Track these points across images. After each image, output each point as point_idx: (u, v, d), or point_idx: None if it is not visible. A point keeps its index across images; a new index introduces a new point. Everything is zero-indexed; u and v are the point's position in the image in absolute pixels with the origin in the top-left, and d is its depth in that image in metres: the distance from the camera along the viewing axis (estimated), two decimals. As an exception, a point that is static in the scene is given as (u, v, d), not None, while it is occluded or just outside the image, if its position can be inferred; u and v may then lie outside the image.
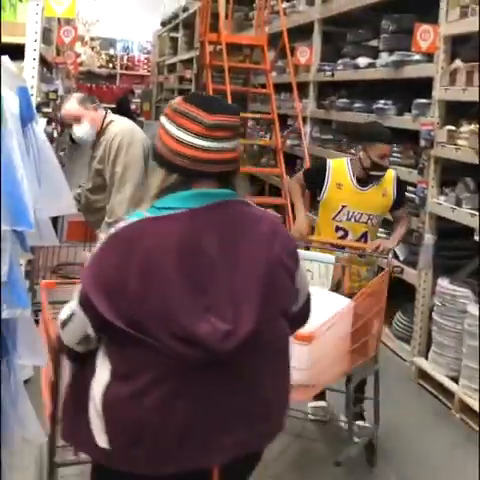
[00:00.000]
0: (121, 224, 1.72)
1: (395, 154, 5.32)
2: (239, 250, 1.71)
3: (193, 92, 1.76)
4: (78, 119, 3.94)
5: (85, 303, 1.67)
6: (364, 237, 3.89)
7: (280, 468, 3.37)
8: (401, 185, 4.00)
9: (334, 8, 6.67)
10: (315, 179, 3.94)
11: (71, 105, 3.99)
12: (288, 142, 7.46)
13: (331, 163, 3.94)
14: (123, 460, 1.71)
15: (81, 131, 3.94)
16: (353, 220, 3.85)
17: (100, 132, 3.96)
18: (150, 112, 18.85)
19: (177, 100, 1.82)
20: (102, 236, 1.78)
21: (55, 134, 6.41)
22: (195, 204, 1.72)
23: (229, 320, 1.65)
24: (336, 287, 3.59)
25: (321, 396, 3.88)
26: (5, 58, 1.95)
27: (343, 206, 3.84)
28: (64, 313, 1.74)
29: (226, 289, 1.67)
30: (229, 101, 6.96)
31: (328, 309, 3.00)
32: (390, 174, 3.93)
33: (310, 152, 6.89)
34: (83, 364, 1.78)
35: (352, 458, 3.32)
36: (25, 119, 1.90)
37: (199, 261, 1.67)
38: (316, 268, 3.61)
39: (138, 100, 19.81)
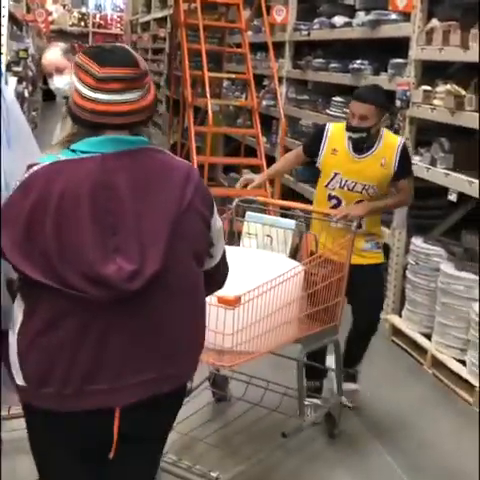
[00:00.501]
0: (34, 167, 1.73)
1: (370, 114, 5.31)
2: (150, 194, 1.76)
3: (94, 44, 1.76)
4: (60, 70, 3.85)
5: None
6: None
7: (229, 434, 3.39)
8: (407, 155, 3.71)
9: (310, -35, 6.59)
10: (312, 144, 3.76)
11: (54, 55, 3.88)
12: (264, 103, 7.42)
13: (330, 127, 3.72)
14: (36, 397, 1.77)
15: (62, 82, 3.85)
16: (346, 188, 3.61)
17: None
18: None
19: (79, 53, 1.82)
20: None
21: (26, 93, 6.31)
22: (107, 149, 1.76)
23: (135, 261, 1.70)
24: (293, 253, 3.46)
25: (316, 375, 3.71)
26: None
27: (336, 173, 3.62)
28: None
29: (135, 231, 1.72)
30: (204, 61, 6.90)
31: (271, 273, 2.89)
32: (394, 140, 3.66)
33: (286, 113, 6.86)
34: None
35: (302, 429, 3.28)
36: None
37: (109, 204, 1.71)
38: (275, 234, 3.49)
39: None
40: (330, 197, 3.67)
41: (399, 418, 3.78)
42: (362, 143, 3.58)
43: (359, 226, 3.44)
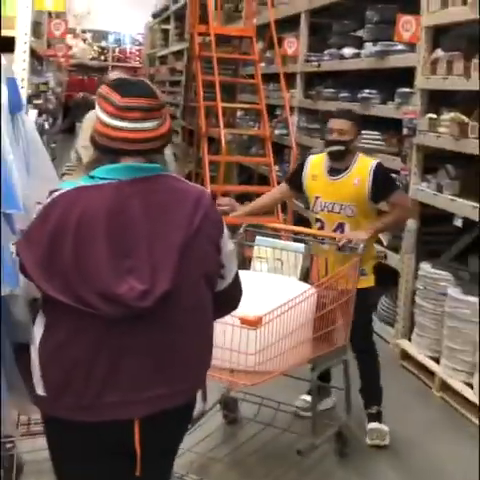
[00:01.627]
0: (56, 193, 1.88)
1: (379, 142, 5.45)
2: (162, 219, 1.90)
3: (118, 77, 1.96)
4: None
5: (22, 270, 1.87)
6: (340, 228, 3.77)
7: (244, 455, 3.47)
8: (382, 174, 3.82)
9: (319, 0, 6.77)
10: (294, 175, 4.02)
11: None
12: (276, 132, 7.57)
13: (311, 158, 4.00)
14: (55, 407, 1.88)
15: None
16: (326, 210, 3.79)
17: None
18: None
19: (103, 84, 1.99)
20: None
21: (46, 126, 6.51)
22: (123, 176, 1.90)
23: (146, 281, 1.83)
24: (304, 276, 3.58)
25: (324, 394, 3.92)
26: (12, 55, 2.06)
27: (317, 197, 3.82)
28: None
29: (146, 254, 1.85)
30: (218, 91, 7.08)
31: (285, 295, 3.00)
32: (367, 162, 3.83)
33: (298, 141, 7.01)
34: None
35: (316, 447, 3.36)
36: (14, 109, 2.01)
37: (124, 228, 1.86)
38: (285, 257, 3.59)
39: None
40: (316, 220, 3.87)
41: (408, 440, 3.83)
42: (341, 157, 3.77)
43: (363, 249, 3.51)
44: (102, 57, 22.70)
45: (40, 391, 1.89)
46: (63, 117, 14.24)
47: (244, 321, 2.71)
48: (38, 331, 1.89)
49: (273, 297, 3.03)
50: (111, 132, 1.89)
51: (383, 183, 3.79)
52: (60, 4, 5.34)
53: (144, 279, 1.83)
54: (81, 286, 1.80)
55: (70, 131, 13.47)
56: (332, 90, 6.56)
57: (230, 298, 2.16)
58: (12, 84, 2.03)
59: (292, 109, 7.31)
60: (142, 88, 1.95)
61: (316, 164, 3.90)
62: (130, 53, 23.12)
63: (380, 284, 4.14)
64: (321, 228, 3.83)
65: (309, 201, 3.93)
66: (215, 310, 2.07)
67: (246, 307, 2.23)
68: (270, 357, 2.93)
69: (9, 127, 1.93)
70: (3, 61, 2.14)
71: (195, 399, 2.10)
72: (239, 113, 9.25)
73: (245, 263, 3.71)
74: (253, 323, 2.73)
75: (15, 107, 2.03)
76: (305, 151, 7.12)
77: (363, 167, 3.79)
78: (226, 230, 2.04)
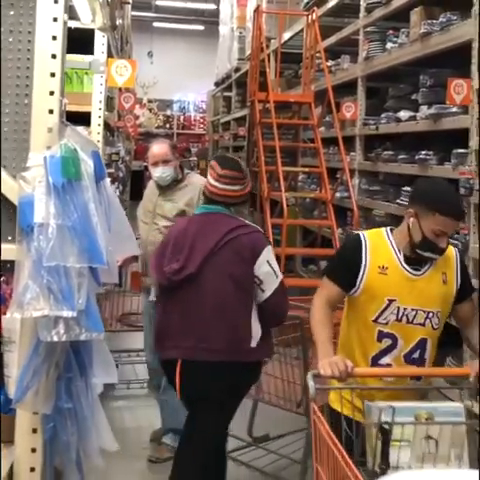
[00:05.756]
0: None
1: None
2: (204, 236, 3.15)
3: (221, 154, 3.50)
4: (166, 162, 4.43)
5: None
6: (421, 347, 2.73)
7: None
8: (464, 263, 2.91)
9: (376, 65, 7.04)
10: (348, 267, 2.76)
11: (164, 148, 4.50)
12: (337, 194, 7.73)
13: (366, 237, 2.81)
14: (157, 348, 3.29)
15: (167, 172, 4.43)
16: (404, 321, 2.68)
17: (179, 180, 4.49)
18: (206, 169, 19.35)
19: (213, 158, 3.47)
20: None
21: (117, 193, 6.90)
22: (201, 211, 3.33)
23: (180, 265, 3.13)
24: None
25: None
26: (81, 128, 2.37)
27: (390, 300, 2.68)
28: None
29: (188, 253, 3.14)
30: (278, 156, 7.36)
31: None
32: (450, 251, 2.81)
33: (359, 203, 7.16)
34: None
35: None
36: (98, 177, 2.28)
37: (183, 238, 3.20)
38: (436, 431, 2.30)
39: (195, 158, 20.49)
40: (382, 336, 2.72)
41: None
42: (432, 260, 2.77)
43: None
44: (167, 125, 23.56)
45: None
46: (131, 184, 14.79)
47: None
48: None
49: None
50: (212, 189, 3.23)
51: (467, 277, 2.88)
52: (130, 81, 5.75)
53: (180, 264, 3.10)
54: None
55: (136, 197, 13.98)
56: (391, 152, 6.75)
57: (272, 306, 3.14)
58: (96, 156, 2.31)
59: (352, 172, 7.50)
60: (234, 164, 3.27)
61: (380, 248, 2.77)
62: (194, 120, 23.92)
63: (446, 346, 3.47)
64: (390, 348, 2.72)
65: (369, 305, 2.73)
66: (264, 317, 3.12)
67: None
68: None
69: (95, 193, 2.20)
70: (86, 135, 2.45)
71: (234, 372, 3.08)
72: (301, 176, 9.51)
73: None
74: None
75: (99, 176, 2.30)
76: (366, 213, 7.29)
77: (448, 257, 2.80)
78: (262, 257, 3.11)
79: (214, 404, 3.15)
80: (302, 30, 9.37)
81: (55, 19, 2.22)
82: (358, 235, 2.82)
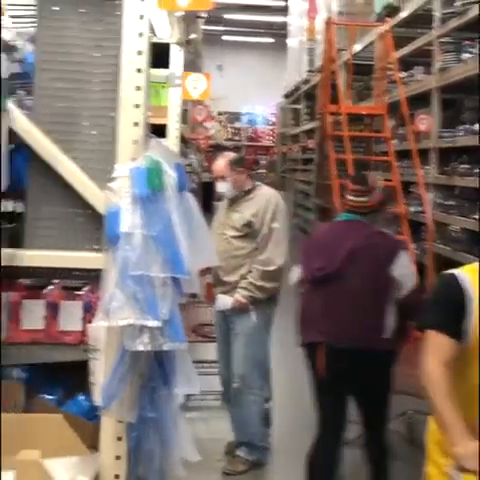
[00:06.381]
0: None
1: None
2: (345, 239, 3.60)
3: (359, 174, 4.57)
4: (223, 178, 4.44)
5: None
6: None
7: None
8: None
9: (452, 76, 6.92)
10: (449, 312, 2.36)
11: (220, 165, 4.51)
12: (411, 209, 7.59)
13: (462, 274, 2.41)
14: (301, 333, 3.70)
15: (223, 187, 4.44)
16: None
17: (247, 192, 4.47)
18: (275, 181, 19.43)
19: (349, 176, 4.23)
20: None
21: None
22: (342, 219, 3.80)
23: (324, 264, 3.56)
24: None
25: None
26: (164, 140, 2.40)
27: None
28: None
29: (332, 253, 3.57)
30: (350, 170, 7.30)
31: None
32: None
33: (434, 218, 7.02)
34: None
35: None
36: (180, 187, 2.31)
37: (328, 239, 3.75)
38: None
39: (263, 171, 20.55)
40: None
41: None
42: None
43: None
44: (236, 137, 23.73)
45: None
46: (202, 196, 14.97)
47: None
48: None
49: None
50: (347, 201, 3.72)
51: None
52: (206, 93, 5.83)
53: (323, 263, 3.57)
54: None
55: (206, 209, 14.10)
56: (467, 166, 6.60)
57: (408, 303, 3.46)
58: (179, 168, 2.34)
59: (427, 185, 7.36)
60: (360, 179, 3.76)
61: None
62: (262, 132, 24.02)
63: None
64: None
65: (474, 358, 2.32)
66: (400, 313, 3.49)
67: None
68: None
69: (177, 204, 2.23)
70: (167, 146, 2.48)
71: (370, 358, 3.46)
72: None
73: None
74: None
75: (181, 187, 2.33)
76: (441, 228, 7.11)
77: None
78: (398, 260, 3.50)
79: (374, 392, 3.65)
80: (373, 41, 9.31)
81: (140, 34, 2.27)
82: (453, 273, 2.42)
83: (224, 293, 4.37)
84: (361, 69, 10.05)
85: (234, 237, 4.40)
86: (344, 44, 10.12)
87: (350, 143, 7.77)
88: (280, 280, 4.34)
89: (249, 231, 4.36)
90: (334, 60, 8.97)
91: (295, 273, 3.81)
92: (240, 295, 4.27)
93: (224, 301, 4.37)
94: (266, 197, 4.41)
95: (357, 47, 10.04)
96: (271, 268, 4.27)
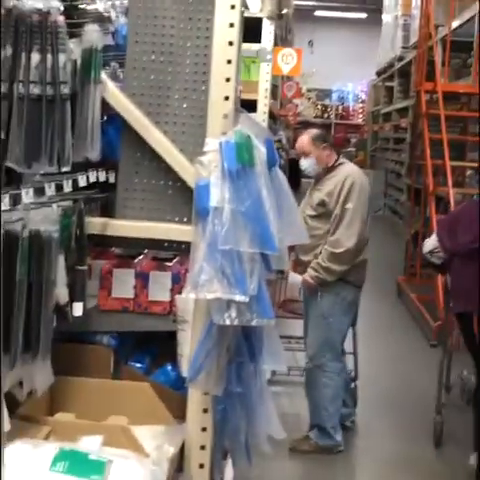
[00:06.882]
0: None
1: None
2: None
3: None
4: (306, 154, 4.35)
5: None
6: None
7: None
8: None
9: None
10: None
11: (302, 140, 4.41)
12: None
13: None
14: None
15: (306, 164, 4.35)
16: None
17: (329, 169, 4.33)
18: (365, 160, 19.12)
19: None
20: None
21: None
22: None
23: (472, 239, 3.82)
24: None
25: None
26: (254, 115, 2.37)
27: None
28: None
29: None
30: (446, 150, 7.07)
31: None
32: None
33: None
34: None
35: None
36: (270, 164, 2.29)
37: (472, 217, 3.91)
38: None
39: (353, 149, 20.25)
40: None
41: None
42: None
43: None
44: (325, 115, 23.46)
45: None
46: (289, 173, 14.93)
47: None
48: None
49: None
50: None
51: None
52: (296, 69, 5.77)
53: (471, 238, 3.81)
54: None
55: (293, 185, 14.05)
56: None
57: None
58: (269, 144, 2.31)
59: None
60: None
61: None
62: (353, 110, 23.65)
63: None
64: None
65: None
66: None
67: None
68: None
69: (267, 180, 2.20)
70: (257, 121, 2.46)
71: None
72: (468, 172, 9.11)
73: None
74: None
75: (271, 163, 2.30)
76: None
77: None
78: None
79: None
80: (473, 17, 8.95)
81: (233, 6, 2.24)
82: None
83: (301, 273, 4.32)
84: (459, 46, 9.69)
85: (310, 216, 4.29)
86: (442, 20, 9.77)
87: (446, 122, 7.52)
88: (349, 263, 4.14)
89: (323, 211, 4.23)
90: (431, 36, 8.67)
91: (431, 242, 4.12)
92: (308, 275, 4.18)
93: (294, 279, 4.33)
94: (345, 175, 4.23)
95: (456, 23, 9.68)
96: (339, 250, 4.10)
